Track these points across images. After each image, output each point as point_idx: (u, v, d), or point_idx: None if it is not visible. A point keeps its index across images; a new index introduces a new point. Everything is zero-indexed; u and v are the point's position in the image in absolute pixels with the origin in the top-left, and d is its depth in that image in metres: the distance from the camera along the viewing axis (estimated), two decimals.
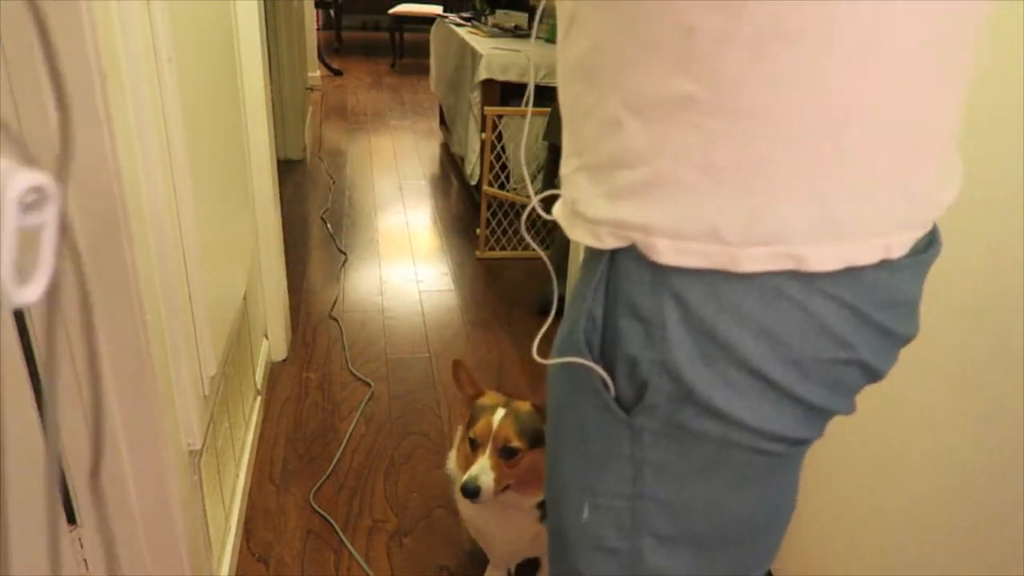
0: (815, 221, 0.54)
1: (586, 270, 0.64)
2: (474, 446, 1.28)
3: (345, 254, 2.96)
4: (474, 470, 1.24)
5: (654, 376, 0.59)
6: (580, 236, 0.61)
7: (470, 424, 1.31)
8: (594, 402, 0.63)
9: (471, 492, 1.23)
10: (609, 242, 0.58)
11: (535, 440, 1.26)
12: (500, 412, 1.28)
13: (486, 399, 1.34)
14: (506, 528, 1.36)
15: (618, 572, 0.69)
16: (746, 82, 0.51)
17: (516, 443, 1.25)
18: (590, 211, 0.60)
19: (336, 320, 2.46)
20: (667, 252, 0.55)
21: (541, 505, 1.30)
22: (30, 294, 0.35)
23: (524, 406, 1.30)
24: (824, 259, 0.55)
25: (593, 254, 0.62)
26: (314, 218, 3.29)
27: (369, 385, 2.12)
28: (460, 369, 1.37)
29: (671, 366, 0.58)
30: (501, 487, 1.26)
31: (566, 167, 0.64)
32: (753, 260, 0.54)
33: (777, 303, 0.56)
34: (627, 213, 0.57)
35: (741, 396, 0.58)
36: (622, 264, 0.58)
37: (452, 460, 1.40)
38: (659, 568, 0.67)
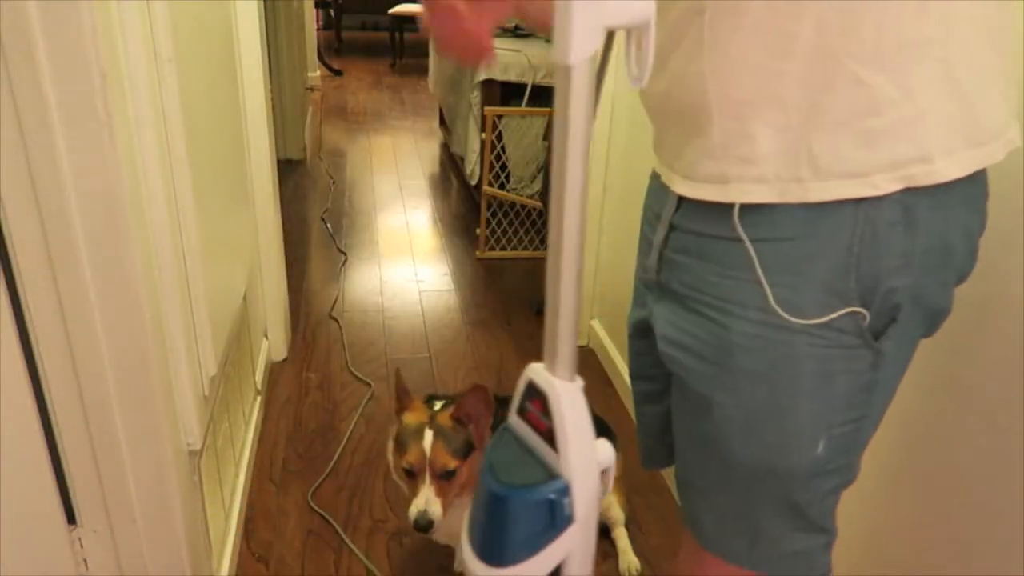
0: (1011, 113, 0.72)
1: (813, 235, 0.68)
2: (411, 475, 1.28)
3: (345, 254, 2.96)
4: (420, 503, 1.25)
5: (906, 300, 0.70)
6: (840, 192, 0.66)
7: (400, 449, 1.30)
8: (845, 343, 0.71)
9: (424, 527, 1.25)
10: (886, 187, 0.65)
11: (466, 452, 1.28)
12: (428, 436, 1.27)
13: (410, 416, 1.32)
14: (457, 524, 1.33)
15: (838, 482, 0.82)
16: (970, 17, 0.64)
17: (452, 464, 1.27)
18: (848, 165, 0.65)
19: (336, 320, 2.46)
20: (949, 169, 0.66)
21: None
22: None
23: (446, 421, 1.29)
24: (999, 153, 0.71)
25: (821, 223, 0.67)
26: (314, 218, 3.29)
27: (369, 385, 2.12)
28: (400, 378, 1.36)
29: (919, 286, 0.70)
30: (448, 505, 1.27)
31: (763, 144, 0.67)
32: (997, 153, 0.71)
33: (976, 203, 0.75)
34: (899, 152, 0.65)
35: (949, 290, 0.74)
36: (881, 213, 0.66)
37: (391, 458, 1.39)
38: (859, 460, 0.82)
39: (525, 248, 3.03)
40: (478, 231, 3.00)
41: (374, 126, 4.76)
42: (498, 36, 3.52)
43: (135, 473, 1.06)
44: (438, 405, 1.38)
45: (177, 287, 1.12)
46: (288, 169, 3.82)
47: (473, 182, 3.26)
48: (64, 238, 0.90)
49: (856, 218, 0.66)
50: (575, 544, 0.65)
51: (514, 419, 0.68)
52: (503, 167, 2.97)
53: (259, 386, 1.98)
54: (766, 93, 0.67)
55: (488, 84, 3.03)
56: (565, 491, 0.62)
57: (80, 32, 0.82)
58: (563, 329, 0.63)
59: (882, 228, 0.66)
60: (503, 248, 3.02)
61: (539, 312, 2.53)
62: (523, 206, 3.02)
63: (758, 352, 0.72)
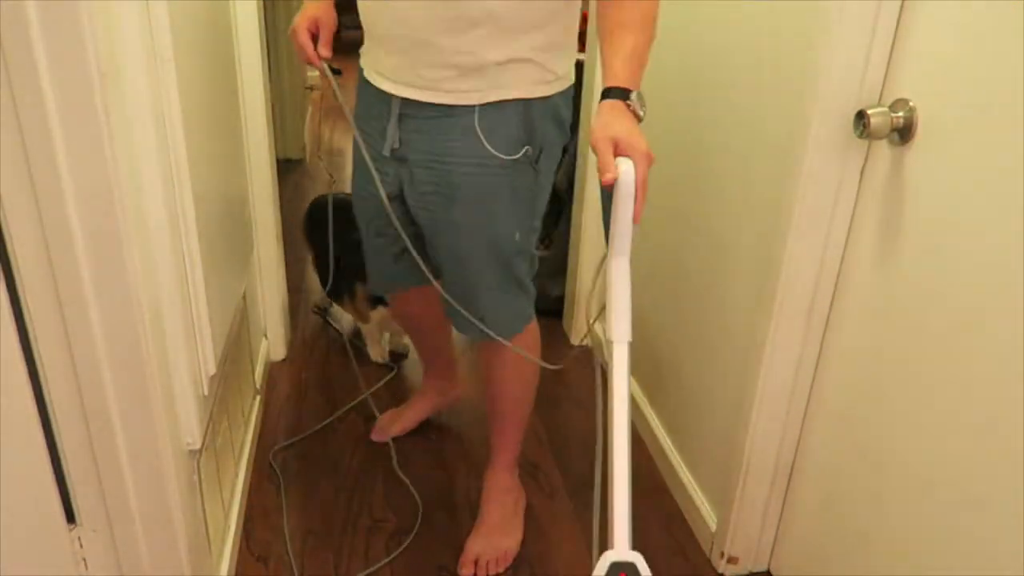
0: None
1: (516, 113, 1.23)
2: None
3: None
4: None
5: (547, 141, 1.28)
6: (558, 88, 1.26)
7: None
8: (525, 171, 1.27)
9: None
10: (564, 86, 1.28)
11: None
12: None
13: None
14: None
15: (528, 265, 1.39)
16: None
17: None
18: (561, 70, 1.26)
19: (334, 323, 2.46)
20: (566, 81, 1.28)
21: None
22: None
23: None
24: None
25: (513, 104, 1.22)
26: None
27: (369, 385, 2.12)
28: None
29: (551, 134, 1.28)
30: None
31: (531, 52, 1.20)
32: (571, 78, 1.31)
33: (568, 100, 1.31)
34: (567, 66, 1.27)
35: (565, 134, 1.33)
36: (555, 99, 1.26)
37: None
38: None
39: None
40: None
41: None
42: None
43: (134, 473, 1.06)
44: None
45: (176, 286, 1.12)
46: (287, 168, 3.81)
47: None
48: (63, 238, 0.90)
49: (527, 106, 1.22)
50: None
51: None
52: None
53: (258, 386, 1.98)
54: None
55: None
56: None
57: (79, 32, 0.82)
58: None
59: (537, 112, 1.23)
60: None
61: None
62: None
63: (479, 184, 1.26)
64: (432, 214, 1.31)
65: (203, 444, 1.27)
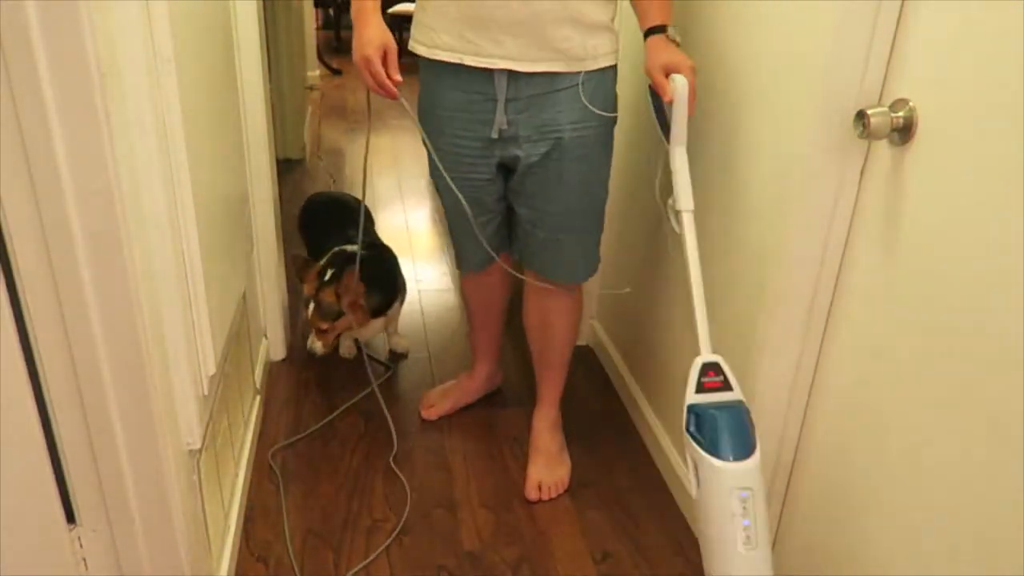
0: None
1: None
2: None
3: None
4: (309, 343, 2.04)
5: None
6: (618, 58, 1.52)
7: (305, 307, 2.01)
8: (611, 128, 1.55)
9: (312, 354, 2.02)
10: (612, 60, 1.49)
11: (336, 316, 1.96)
12: (311, 306, 1.97)
13: (306, 288, 2.01)
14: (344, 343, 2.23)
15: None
16: None
17: (324, 326, 1.98)
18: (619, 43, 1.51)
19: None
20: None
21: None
22: None
23: (328, 296, 1.95)
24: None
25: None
26: None
27: (369, 384, 2.12)
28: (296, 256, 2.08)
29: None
30: (328, 344, 2.02)
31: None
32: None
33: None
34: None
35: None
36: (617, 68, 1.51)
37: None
38: None
39: None
40: None
41: (373, 125, 4.73)
42: None
43: (134, 473, 1.06)
44: (328, 275, 1.96)
45: (176, 286, 1.12)
46: (287, 168, 3.81)
47: None
48: (63, 238, 0.90)
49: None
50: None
51: (696, 397, 1.14)
52: None
53: (258, 386, 1.98)
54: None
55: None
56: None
57: (79, 32, 0.82)
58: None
59: (613, 77, 1.49)
60: None
61: None
62: None
63: (580, 143, 1.48)
64: (543, 177, 1.50)
65: (203, 444, 1.27)
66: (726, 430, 1.08)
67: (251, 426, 1.83)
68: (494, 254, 1.62)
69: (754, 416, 1.43)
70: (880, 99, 1.14)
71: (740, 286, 1.45)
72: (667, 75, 1.32)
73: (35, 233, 0.89)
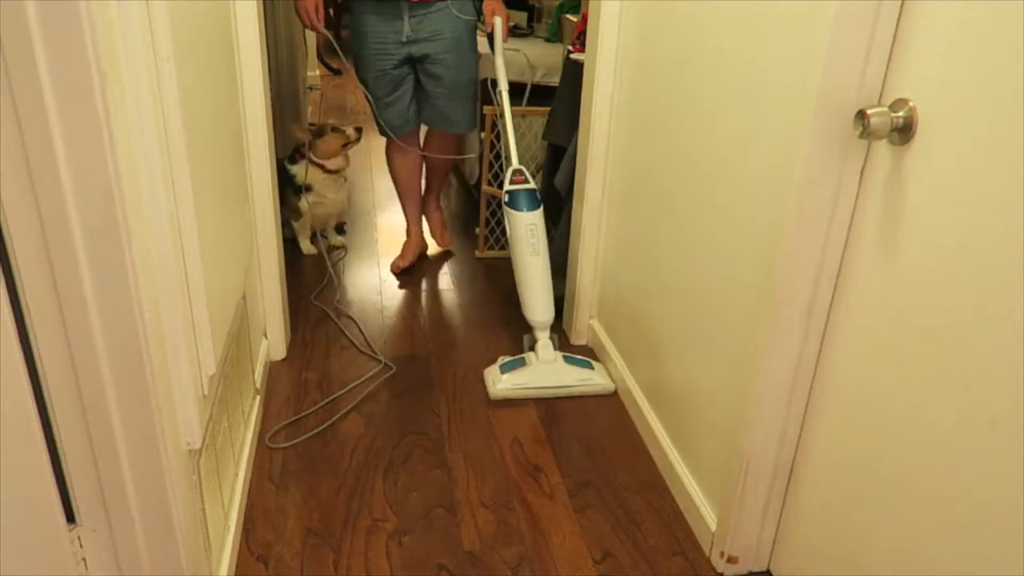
0: None
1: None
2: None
3: (344, 253, 2.96)
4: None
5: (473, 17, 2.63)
6: None
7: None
8: (472, 30, 2.64)
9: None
10: None
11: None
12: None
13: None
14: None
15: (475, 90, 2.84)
16: None
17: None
18: None
19: (335, 320, 2.46)
20: None
21: None
22: None
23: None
24: None
25: None
26: None
27: (368, 384, 2.12)
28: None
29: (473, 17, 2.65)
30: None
31: None
32: None
33: None
34: None
35: None
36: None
37: None
38: None
39: None
40: (478, 231, 3.00)
41: (373, 125, 4.73)
42: None
43: (134, 472, 1.06)
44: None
45: (176, 286, 1.12)
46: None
47: (472, 181, 3.26)
48: (63, 238, 0.90)
49: None
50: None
51: (510, 187, 2.18)
52: (503, 167, 2.96)
53: (258, 385, 1.98)
54: None
55: (487, 83, 3.03)
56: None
57: (79, 31, 0.82)
58: None
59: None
60: (503, 248, 3.02)
61: None
62: None
63: (459, 39, 2.54)
64: (441, 64, 2.54)
65: (203, 444, 1.27)
66: (522, 199, 2.14)
67: (251, 426, 1.83)
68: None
69: (754, 418, 1.43)
70: (880, 99, 1.14)
71: (740, 286, 1.45)
72: (492, 15, 2.48)
73: (35, 232, 0.89)
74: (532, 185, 2.15)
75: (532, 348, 2.16)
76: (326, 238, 3.04)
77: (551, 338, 2.17)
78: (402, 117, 2.64)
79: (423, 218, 3.02)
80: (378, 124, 2.69)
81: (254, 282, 2.03)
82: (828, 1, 1.12)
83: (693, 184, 1.64)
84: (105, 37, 0.88)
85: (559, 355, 2.14)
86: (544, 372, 2.10)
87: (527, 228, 2.11)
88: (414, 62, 2.54)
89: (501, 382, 2.06)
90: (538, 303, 2.15)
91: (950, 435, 1.04)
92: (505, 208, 2.14)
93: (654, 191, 1.85)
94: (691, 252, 1.66)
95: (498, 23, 2.46)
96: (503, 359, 2.16)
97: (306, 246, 2.97)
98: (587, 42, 2.12)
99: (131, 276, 0.95)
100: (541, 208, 2.13)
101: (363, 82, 2.60)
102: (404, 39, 2.46)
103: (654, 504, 1.73)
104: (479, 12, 2.55)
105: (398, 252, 2.92)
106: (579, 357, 2.18)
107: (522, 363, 2.13)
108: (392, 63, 2.52)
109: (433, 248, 3.05)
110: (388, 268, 2.87)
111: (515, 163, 2.19)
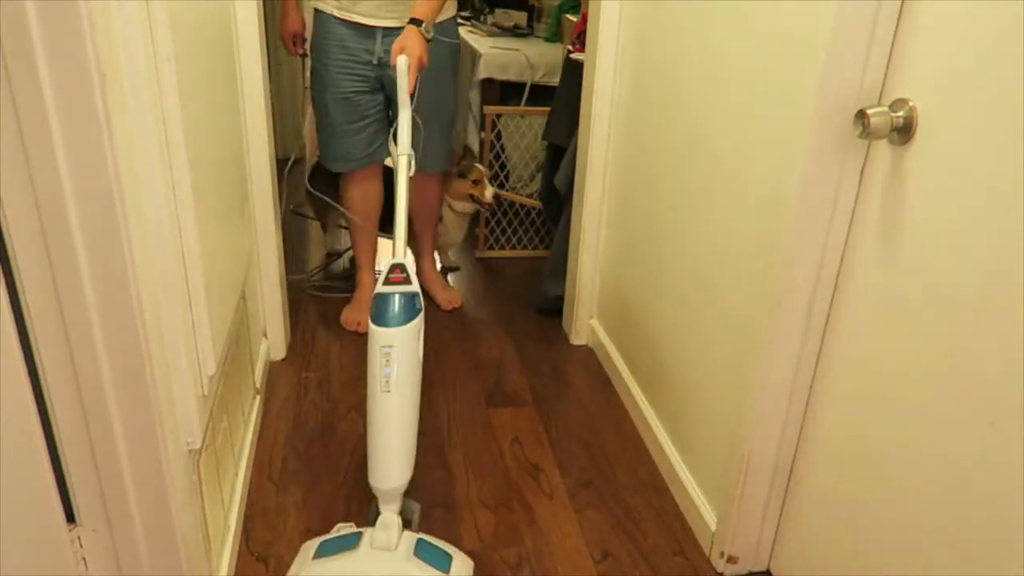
0: None
1: None
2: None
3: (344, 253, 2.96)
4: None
5: (456, 43, 2.28)
6: (444, 17, 2.10)
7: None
8: (448, 49, 2.22)
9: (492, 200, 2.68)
10: (447, 16, 2.15)
11: None
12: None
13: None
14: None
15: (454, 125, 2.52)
16: None
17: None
18: (444, 14, 2.10)
19: (334, 320, 2.46)
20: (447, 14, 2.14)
21: None
22: None
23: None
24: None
25: None
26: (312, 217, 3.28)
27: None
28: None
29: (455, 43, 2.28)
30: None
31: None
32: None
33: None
34: None
35: None
36: (445, 23, 2.15)
37: None
38: None
39: (525, 248, 3.03)
40: (478, 231, 3.00)
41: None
42: (497, 35, 3.52)
43: (134, 472, 1.06)
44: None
45: (176, 286, 1.12)
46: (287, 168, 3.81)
47: None
48: (63, 238, 0.90)
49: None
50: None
51: (383, 288, 1.42)
52: (502, 166, 2.96)
53: (258, 385, 1.98)
54: None
55: (487, 83, 3.03)
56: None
57: (79, 32, 0.82)
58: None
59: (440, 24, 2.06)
60: (503, 248, 3.02)
61: (541, 310, 2.53)
62: (522, 206, 3.02)
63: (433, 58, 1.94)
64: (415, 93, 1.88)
65: (203, 444, 1.27)
66: (385, 306, 1.39)
67: (251, 426, 1.83)
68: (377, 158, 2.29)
69: (754, 418, 1.43)
70: (880, 99, 1.14)
71: (740, 286, 1.45)
72: (398, 54, 1.75)
73: (35, 233, 0.89)
74: (413, 288, 1.44)
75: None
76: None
77: (402, 513, 1.43)
78: (363, 150, 2.24)
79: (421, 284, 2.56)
80: (321, 155, 2.35)
81: (254, 282, 2.03)
82: (828, 1, 1.12)
83: (693, 184, 1.64)
84: (105, 37, 0.88)
85: (411, 540, 1.37)
86: (372, 565, 1.33)
87: (382, 351, 1.38)
88: (385, 89, 2.18)
89: (306, 569, 1.33)
90: (379, 462, 1.42)
91: (950, 435, 1.04)
92: (369, 323, 1.42)
93: (654, 191, 1.85)
94: (691, 251, 1.66)
95: (402, 64, 1.71)
96: (336, 529, 1.47)
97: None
98: (587, 42, 2.12)
99: (131, 276, 0.95)
100: (416, 323, 1.41)
101: (317, 102, 2.20)
102: (376, 60, 2.11)
103: (654, 504, 1.73)
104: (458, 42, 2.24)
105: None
106: (442, 547, 1.40)
107: (353, 544, 1.36)
108: (357, 87, 2.14)
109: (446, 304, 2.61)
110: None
111: (399, 256, 1.52)
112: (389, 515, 1.39)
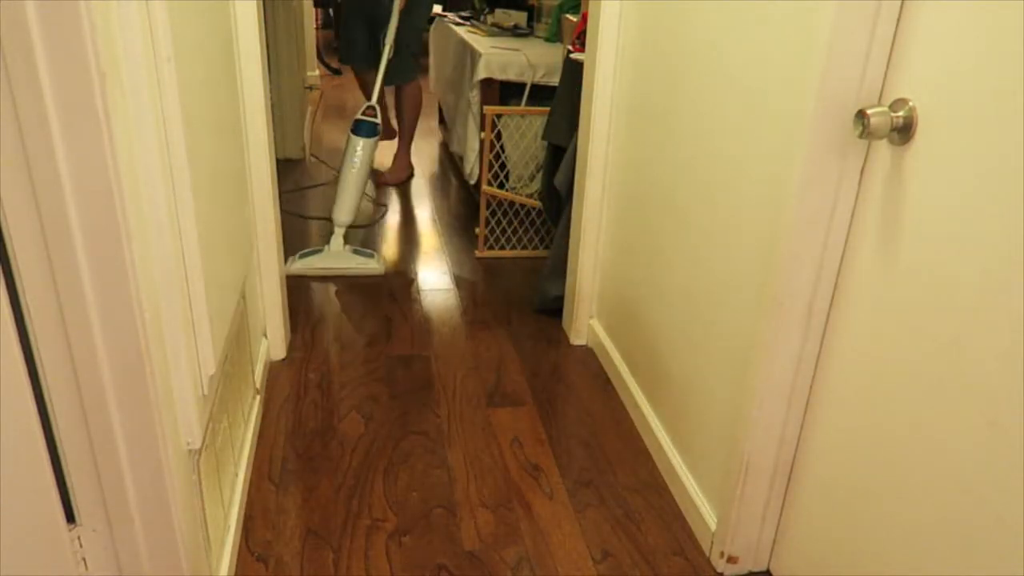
0: None
1: None
2: None
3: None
4: None
5: None
6: None
7: None
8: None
9: None
10: None
11: None
12: None
13: None
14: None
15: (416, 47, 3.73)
16: None
17: None
18: None
19: (335, 320, 2.46)
20: None
21: None
22: None
23: None
24: None
25: None
26: (313, 217, 3.29)
27: (369, 384, 2.12)
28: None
29: None
30: None
31: None
32: None
33: None
34: None
35: None
36: None
37: None
38: None
39: (524, 247, 3.03)
40: (477, 230, 3.00)
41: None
42: (497, 35, 3.52)
43: (134, 472, 1.06)
44: None
45: (176, 286, 1.12)
46: (287, 168, 3.82)
47: (472, 181, 3.26)
48: (63, 237, 0.90)
49: None
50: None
51: (360, 116, 2.89)
52: (502, 166, 2.97)
53: (258, 385, 1.98)
54: None
55: (487, 83, 3.03)
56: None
57: (79, 31, 0.82)
58: None
59: None
60: (502, 247, 3.02)
61: (542, 311, 2.53)
62: (522, 205, 3.02)
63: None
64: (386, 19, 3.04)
65: (203, 444, 1.27)
66: (363, 128, 2.82)
67: (251, 426, 1.83)
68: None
69: (753, 418, 1.44)
70: (880, 99, 1.14)
71: (740, 286, 1.45)
72: None
73: (35, 233, 0.89)
74: (376, 120, 2.84)
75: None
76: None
77: (344, 235, 2.84)
78: (361, 55, 3.57)
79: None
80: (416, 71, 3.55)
81: (254, 282, 2.03)
82: (828, 1, 1.12)
83: (693, 184, 1.64)
84: (105, 37, 0.88)
85: (349, 248, 2.83)
86: (331, 259, 2.77)
87: (355, 150, 2.80)
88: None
89: (295, 263, 2.73)
90: (342, 207, 2.82)
91: (950, 435, 1.04)
92: (349, 132, 2.82)
93: (654, 191, 1.85)
94: (691, 252, 1.66)
95: None
96: (307, 250, 2.82)
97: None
98: (587, 42, 2.12)
99: (131, 276, 0.95)
100: (374, 139, 2.84)
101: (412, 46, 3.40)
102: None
103: (654, 504, 1.73)
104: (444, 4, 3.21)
105: (398, 251, 2.95)
106: (366, 251, 2.87)
107: (319, 251, 2.79)
108: (360, 21, 3.49)
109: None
110: (387, 267, 2.87)
111: (373, 100, 2.87)
112: (339, 236, 2.82)
